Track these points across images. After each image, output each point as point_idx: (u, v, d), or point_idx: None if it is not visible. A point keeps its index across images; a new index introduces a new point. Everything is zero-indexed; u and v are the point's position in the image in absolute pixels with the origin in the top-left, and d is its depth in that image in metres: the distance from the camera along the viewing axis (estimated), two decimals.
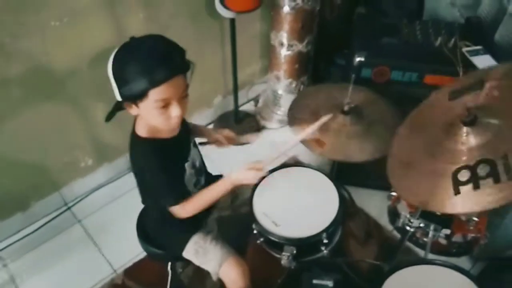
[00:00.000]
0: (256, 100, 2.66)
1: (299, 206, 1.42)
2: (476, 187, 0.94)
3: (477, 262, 1.83)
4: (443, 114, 1.12)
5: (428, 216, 1.33)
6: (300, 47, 2.25)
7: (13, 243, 1.99)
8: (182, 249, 1.42)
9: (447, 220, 1.31)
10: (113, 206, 2.17)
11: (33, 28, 1.58)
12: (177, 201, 1.27)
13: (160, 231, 1.47)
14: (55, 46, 1.67)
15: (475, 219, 1.27)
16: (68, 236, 2.04)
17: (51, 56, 1.69)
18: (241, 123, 2.51)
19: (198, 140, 1.47)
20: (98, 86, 1.86)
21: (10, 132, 1.77)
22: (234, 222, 1.61)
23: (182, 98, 1.12)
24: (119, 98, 1.11)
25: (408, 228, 1.37)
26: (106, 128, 2.04)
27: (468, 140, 1.01)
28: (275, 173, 1.53)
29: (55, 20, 1.61)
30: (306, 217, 1.39)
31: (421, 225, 1.33)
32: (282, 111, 2.50)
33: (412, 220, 1.35)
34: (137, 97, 1.08)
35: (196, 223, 1.44)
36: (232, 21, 2.04)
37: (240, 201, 1.59)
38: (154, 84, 1.03)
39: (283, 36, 2.21)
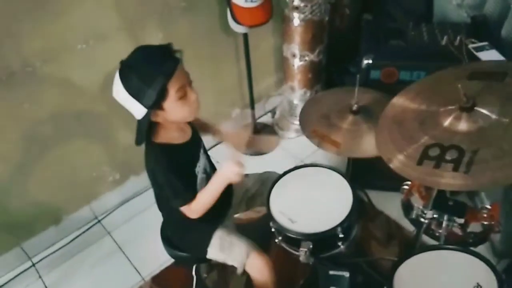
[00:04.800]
0: (273, 111, 2.75)
1: (314, 204, 1.47)
2: (437, 166, 1.01)
3: (502, 260, 1.81)
4: (448, 91, 1.16)
5: (440, 206, 1.35)
6: (312, 57, 2.33)
7: (47, 255, 2.11)
8: (207, 245, 1.48)
9: (460, 209, 1.33)
10: (141, 218, 2.27)
11: (62, 52, 1.73)
12: (185, 201, 1.33)
13: (183, 235, 1.54)
14: (81, 68, 1.81)
15: (488, 206, 1.29)
16: (98, 248, 2.15)
17: (78, 77, 1.83)
18: (259, 134, 2.59)
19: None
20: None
21: (42, 152, 1.90)
22: (253, 228, 1.68)
23: (191, 84, 1.25)
24: (141, 115, 1.19)
25: (422, 219, 1.39)
26: (131, 143, 2.16)
27: (457, 123, 1.07)
28: (290, 173, 1.60)
29: (81, 43, 1.76)
30: (321, 213, 1.43)
31: (435, 215, 1.36)
32: (298, 120, 2.56)
33: (425, 212, 1.37)
34: (160, 97, 1.17)
35: (215, 219, 1.52)
36: (245, 35, 2.15)
37: (254, 199, 1.67)
38: (169, 75, 1.15)
39: (295, 47, 2.30)
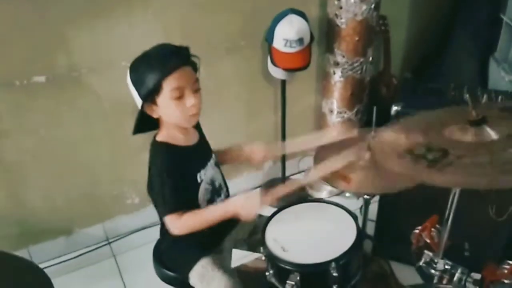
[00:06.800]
0: (306, 171, 2.67)
1: (313, 237, 1.37)
2: (415, 161, 0.98)
3: None
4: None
5: (454, 257, 1.16)
6: (349, 114, 2.30)
7: (50, 266, 2.08)
8: (190, 268, 1.39)
9: (476, 262, 1.13)
10: (148, 249, 2.18)
11: (107, 64, 1.88)
12: (173, 211, 1.25)
13: (174, 252, 1.48)
14: (122, 83, 1.93)
15: (510, 262, 1.08)
16: (99, 268, 2.10)
17: (116, 92, 1.92)
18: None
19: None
20: None
21: (68, 156, 1.98)
22: (257, 279, 1.55)
23: (195, 91, 1.24)
24: (139, 104, 1.24)
25: (432, 271, 1.19)
26: None
27: (458, 133, 1.00)
28: (297, 205, 1.50)
29: (125, 61, 1.90)
30: (317, 247, 1.32)
31: (446, 267, 1.16)
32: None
33: (436, 260, 1.18)
34: (153, 91, 1.20)
35: (209, 245, 1.44)
36: (283, 83, 2.19)
37: (257, 236, 1.55)
38: (166, 72, 1.17)
39: (333, 103, 2.29)
